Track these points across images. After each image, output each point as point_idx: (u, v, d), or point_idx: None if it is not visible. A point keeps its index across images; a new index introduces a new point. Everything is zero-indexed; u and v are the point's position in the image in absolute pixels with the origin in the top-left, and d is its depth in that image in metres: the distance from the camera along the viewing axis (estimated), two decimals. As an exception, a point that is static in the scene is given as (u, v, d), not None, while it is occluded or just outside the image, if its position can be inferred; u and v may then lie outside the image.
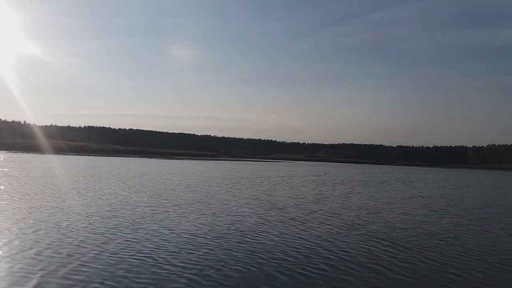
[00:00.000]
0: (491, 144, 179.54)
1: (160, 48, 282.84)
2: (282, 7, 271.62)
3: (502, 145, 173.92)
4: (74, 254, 9.10)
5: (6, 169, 34.83)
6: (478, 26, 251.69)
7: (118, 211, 15.22)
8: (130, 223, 13.03)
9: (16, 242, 9.91)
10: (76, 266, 8.29)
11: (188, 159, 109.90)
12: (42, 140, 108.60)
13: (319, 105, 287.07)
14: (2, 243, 9.78)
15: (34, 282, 7.29)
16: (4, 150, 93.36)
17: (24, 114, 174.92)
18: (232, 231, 12.56)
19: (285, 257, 9.73)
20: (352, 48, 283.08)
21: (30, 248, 9.40)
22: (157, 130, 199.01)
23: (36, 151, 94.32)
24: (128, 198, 19.28)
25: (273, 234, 12.37)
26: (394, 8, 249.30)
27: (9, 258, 8.59)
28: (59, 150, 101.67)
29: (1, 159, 55.33)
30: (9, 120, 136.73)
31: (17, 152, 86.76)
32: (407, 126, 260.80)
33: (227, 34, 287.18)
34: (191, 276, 8.02)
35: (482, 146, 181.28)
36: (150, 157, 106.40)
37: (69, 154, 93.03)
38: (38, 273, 7.70)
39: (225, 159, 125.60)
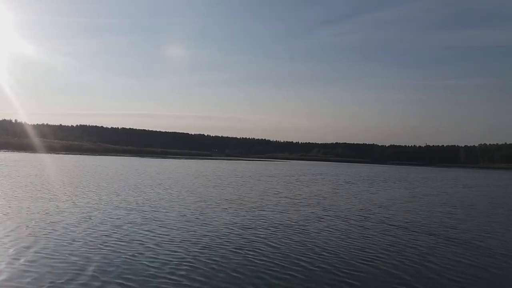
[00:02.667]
0: (482, 143, 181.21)
1: (153, 47, 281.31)
2: (279, 7, 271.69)
3: (493, 144, 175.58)
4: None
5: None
6: (474, 26, 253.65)
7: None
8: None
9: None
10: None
11: (182, 158, 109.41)
12: (34, 139, 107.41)
13: (313, 104, 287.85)
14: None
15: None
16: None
17: (16, 113, 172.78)
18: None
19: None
20: (348, 48, 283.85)
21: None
22: (150, 129, 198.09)
23: (28, 150, 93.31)
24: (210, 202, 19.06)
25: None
26: (391, 8, 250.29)
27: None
28: (51, 149, 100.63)
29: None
30: (0, 118, 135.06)
31: (8, 151, 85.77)
32: (400, 126, 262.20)
33: (222, 33, 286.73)
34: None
35: (474, 145, 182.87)
36: (143, 156, 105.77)
37: (62, 153, 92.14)
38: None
39: (219, 159, 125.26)
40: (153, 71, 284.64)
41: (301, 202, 20.51)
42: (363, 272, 8.68)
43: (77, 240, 10.15)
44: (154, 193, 20.97)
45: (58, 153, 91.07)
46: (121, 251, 9.34)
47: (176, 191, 22.39)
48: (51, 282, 7.11)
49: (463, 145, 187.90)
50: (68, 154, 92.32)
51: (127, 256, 8.95)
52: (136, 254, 9.13)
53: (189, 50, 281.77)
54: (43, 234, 10.60)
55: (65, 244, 9.68)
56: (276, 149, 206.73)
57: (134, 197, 18.99)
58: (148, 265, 8.38)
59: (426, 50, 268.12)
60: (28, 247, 9.22)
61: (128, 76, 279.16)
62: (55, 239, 10.15)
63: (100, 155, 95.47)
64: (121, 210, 14.97)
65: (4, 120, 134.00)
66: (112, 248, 9.49)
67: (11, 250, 8.95)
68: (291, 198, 21.98)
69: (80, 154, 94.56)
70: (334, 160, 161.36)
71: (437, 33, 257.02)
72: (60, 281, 7.18)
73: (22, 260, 8.24)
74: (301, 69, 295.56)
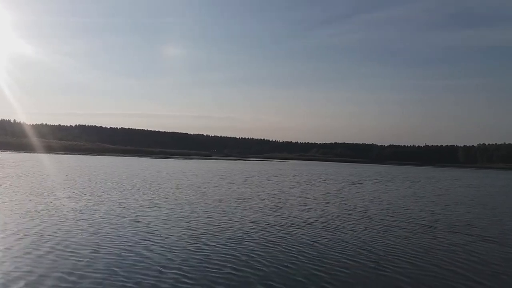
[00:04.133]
0: (481, 143, 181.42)
1: (152, 47, 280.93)
2: (278, 7, 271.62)
3: (492, 144, 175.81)
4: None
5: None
6: (473, 26, 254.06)
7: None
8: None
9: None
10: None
11: (182, 158, 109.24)
12: (33, 139, 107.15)
13: (312, 104, 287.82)
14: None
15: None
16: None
17: (15, 112, 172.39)
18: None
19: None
20: (347, 48, 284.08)
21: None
22: (149, 129, 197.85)
23: (27, 150, 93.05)
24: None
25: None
26: (391, 8, 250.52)
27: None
28: (49, 149, 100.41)
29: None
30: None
31: (7, 151, 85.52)
32: (399, 126, 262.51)
33: (220, 33, 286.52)
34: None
35: (473, 145, 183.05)
36: (142, 156, 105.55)
37: (60, 153, 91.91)
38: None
39: (218, 159, 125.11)
40: (152, 71, 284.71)
41: (322, 201, 20.79)
42: (425, 271, 8.66)
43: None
44: (193, 192, 20.99)
45: (57, 153, 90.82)
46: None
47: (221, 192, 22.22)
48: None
49: (462, 145, 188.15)
50: (67, 154, 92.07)
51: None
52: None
53: (189, 50, 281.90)
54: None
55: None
56: (275, 149, 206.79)
57: (195, 196, 18.80)
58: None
59: (426, 50, 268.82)
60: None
61: (127, 76, 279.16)
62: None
63: (98, 155, 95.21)
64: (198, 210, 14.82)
65: (3, 120, 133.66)
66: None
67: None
68: (309, 198, 22.09)
69: (79, 154, 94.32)
70: (333, 160, 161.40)
71: (436, 33, 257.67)
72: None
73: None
74: (300, 69, 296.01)
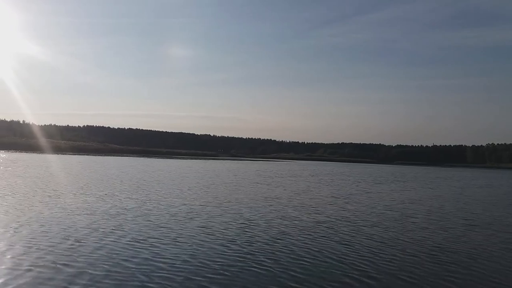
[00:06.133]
0: (490, 143, 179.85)
1: (159, 48, 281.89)
2: (281, 7, 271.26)
3: (501, 144, 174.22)
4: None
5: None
6: (474, 26, 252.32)
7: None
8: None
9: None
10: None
11: (189, 158, 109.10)
12: (41, 140, 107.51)
13: (318, 104, 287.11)
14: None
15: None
16: (3, 149, 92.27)
17: (23, 113, 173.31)
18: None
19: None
20: (352, 48, 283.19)
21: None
22: (156, 130, 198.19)
23: (35, 151, 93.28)
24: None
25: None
26: (392, 9, 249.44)
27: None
28: (58, 150, 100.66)
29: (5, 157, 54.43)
30: (8, 119, 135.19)
31: (16, 152, 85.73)
32: (407, 126, 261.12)
33: (226, 34, 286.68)
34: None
35: (481, 145, 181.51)
36: (150, 157, 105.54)
37: (69, 154, 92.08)
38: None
39: (225, 159, 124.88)
40: (159, 72, 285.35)
41: (353, 200, 20.60)
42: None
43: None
44: (225, 191, 20.57)
45: (65, 154, 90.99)
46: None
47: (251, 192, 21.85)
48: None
49: (470, 145, 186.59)
50: (75, 154, 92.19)
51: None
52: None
53: (195, 50, 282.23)
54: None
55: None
56: (281, 149, 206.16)
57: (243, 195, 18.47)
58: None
59: (432, 50, 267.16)
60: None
61: (134, 76, 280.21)
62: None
63: (106, 156, 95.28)
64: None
65: (12, 121, 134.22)
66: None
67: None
68: (339, 198, 21.85)
69: (87, 155, 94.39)
70: (340, 160, 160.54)
71: (441, 33, 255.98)
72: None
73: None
74: (305, 69, 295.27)
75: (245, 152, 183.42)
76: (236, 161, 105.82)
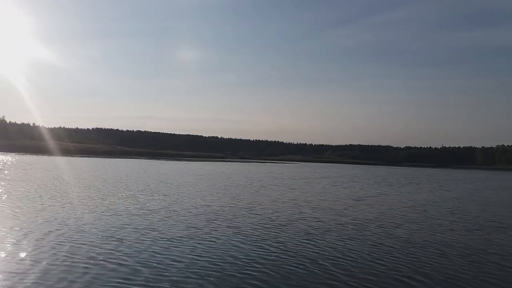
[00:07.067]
0: (499, 144, 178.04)
1: (167, 50, 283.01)
2: (289, 8, 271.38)
3: (511, 145, 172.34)
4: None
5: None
6: (483, 26, 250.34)
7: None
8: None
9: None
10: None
11: (198, 160, 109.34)
12: (51, 142, 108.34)
13: (326, 106, 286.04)
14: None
15: None
16: (13, 152, 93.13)
17: (33, 116, 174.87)
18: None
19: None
20: (360, 49, 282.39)
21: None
22: (164, 132, 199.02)
23: (45, 153, 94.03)
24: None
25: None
26: (400, 9, 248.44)
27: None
28: (67, 152, 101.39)
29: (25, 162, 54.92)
30: (19, 122, 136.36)
31: (27, 154, 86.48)
32: (415, 127, 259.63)
33: (233, 36, 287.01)
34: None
35: (491, 146, 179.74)
36: (158, 159, 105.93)
37: (78, 156, 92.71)
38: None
39: (233, 161, 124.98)
40: (166, 74, 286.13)
41: (373, 202, 20.46)
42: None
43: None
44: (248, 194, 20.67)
45: (75, 156, 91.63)
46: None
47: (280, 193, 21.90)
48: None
49: (479, 146, 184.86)
50: (85, 157, 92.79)
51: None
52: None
53: (201, 52, 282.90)
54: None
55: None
56: (289, 151, 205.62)
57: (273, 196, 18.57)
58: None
59: (440, 50, 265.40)
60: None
61: (142, 78, 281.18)
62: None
63: (116, 158, 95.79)
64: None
65: (22, 124, 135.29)
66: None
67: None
68: (360, 200, 21.62)
69: (96, 157, 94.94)
70: (348, 162, 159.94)
71: (450, 33, 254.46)
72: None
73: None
74: (312, 71, 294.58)
75: (252, 154, 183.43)
76: (244, 163, 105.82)
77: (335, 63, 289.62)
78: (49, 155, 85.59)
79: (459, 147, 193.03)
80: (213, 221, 13.04)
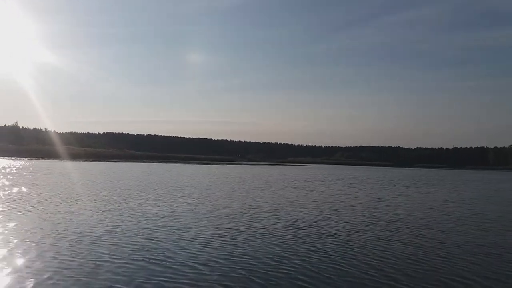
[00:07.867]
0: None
1: (175, 54, 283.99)
2: (297, 11, 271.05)
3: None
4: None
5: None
6: (496, 26, 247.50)
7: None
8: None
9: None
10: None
11: (208, 163, 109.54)
12: (63, 147, 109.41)
13: (336, 108, 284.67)
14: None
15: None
16: (26, 156, 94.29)
17: (45, 122, 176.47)
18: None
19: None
20: (369, 50, 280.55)
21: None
22: (174, 135, 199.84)
23: (57, 158, 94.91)
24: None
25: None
26: (411, 10, 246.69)
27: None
28: (78, 157, 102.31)
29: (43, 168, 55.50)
30: (31, 128, 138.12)
31: (39, 159, 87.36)
32: (426, 128, 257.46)
33: (243, 39, 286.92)
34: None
35: (504, 147, 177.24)
36: (169, 162, 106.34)
37: (89, 160, 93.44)
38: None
39: (243, 163, 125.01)
40: (176, 78, 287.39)
41: (395, 202, 20.25)
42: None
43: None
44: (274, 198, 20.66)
45: (86, 160, 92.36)
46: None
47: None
48: None
49: (492, 147, 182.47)
50: (96, 161, 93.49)
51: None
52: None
53: (211, 56, 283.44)
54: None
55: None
56: (298, 153, 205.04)
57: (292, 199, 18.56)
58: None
59: (452, 51, 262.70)
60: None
61: (151, 83, 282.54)
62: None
63: (126, 162, 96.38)
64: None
65: (35, 129, 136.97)
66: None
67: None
68: (381, 201, 21.26)
69: (107, 161, 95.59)
70: (359, 164, 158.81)
71: (461, 34, 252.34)
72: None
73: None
74: (322, 73, 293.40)
75: (262, 157, 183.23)
76: (255, 165, 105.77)
77: (345, 65, 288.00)
78: (61, 160, 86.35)
79: (471, 147, 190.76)
80: (241, 222, 13.10)
